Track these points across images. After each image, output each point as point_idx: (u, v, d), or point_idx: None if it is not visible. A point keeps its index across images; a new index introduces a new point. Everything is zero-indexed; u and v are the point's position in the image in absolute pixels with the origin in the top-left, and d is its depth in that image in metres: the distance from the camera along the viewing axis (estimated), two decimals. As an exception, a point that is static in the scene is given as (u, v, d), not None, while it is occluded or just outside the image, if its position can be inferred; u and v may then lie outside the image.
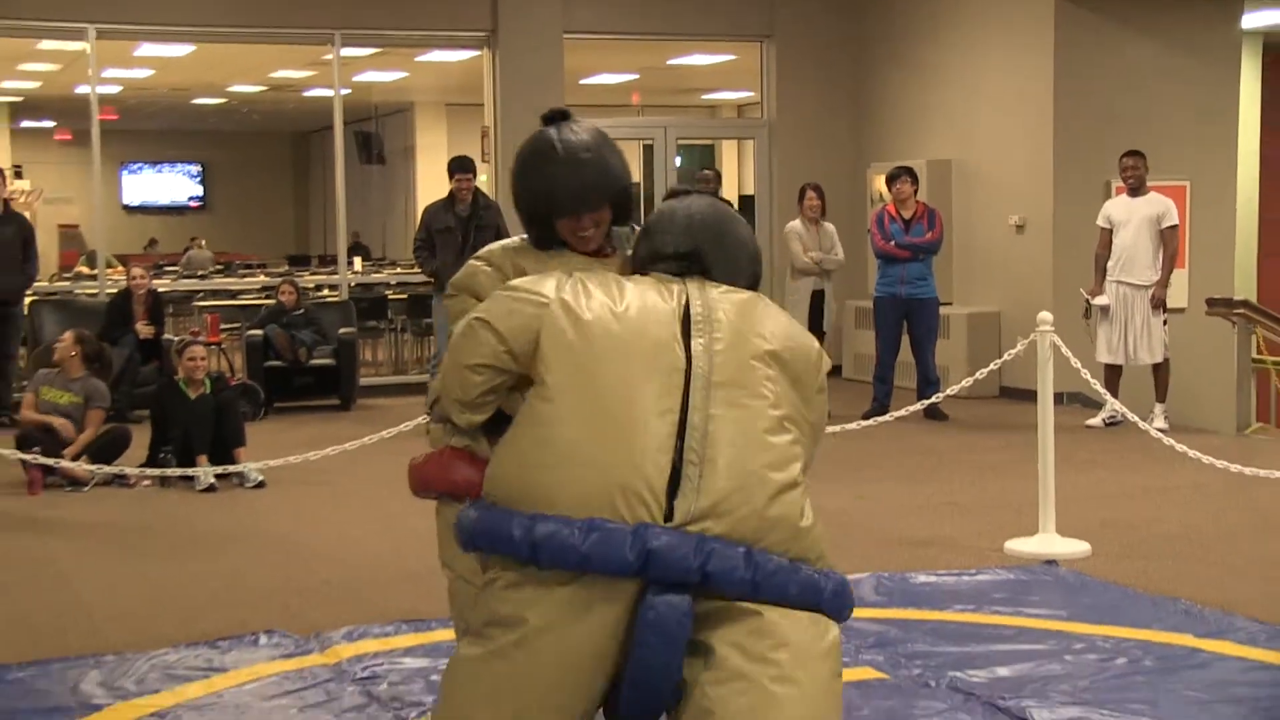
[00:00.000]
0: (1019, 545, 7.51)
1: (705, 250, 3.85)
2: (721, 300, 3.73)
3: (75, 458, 9.32)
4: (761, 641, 3.51)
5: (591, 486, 3.49)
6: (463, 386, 3.70)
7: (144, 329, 12.51)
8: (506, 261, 4.04)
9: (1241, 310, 12.13)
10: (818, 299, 12.42)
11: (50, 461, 8.72)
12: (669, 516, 3.46)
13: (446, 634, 5.97)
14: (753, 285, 3.88)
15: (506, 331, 3.62)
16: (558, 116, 4.18)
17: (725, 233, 3.91)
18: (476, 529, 3.58)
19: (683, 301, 3.70)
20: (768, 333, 3.70)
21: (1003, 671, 5.43)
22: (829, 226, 12.57)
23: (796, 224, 12.48)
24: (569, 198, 3.99)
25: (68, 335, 10.28)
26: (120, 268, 17.00)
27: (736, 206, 14.97)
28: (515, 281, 3.79)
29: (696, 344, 3.61)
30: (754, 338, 3.67)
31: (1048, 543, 7.47)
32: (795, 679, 3.49)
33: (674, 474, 3.48)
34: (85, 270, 18.17)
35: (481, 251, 4.04)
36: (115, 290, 13.56)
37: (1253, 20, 14.36)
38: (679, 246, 3.84)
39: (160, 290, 13.74)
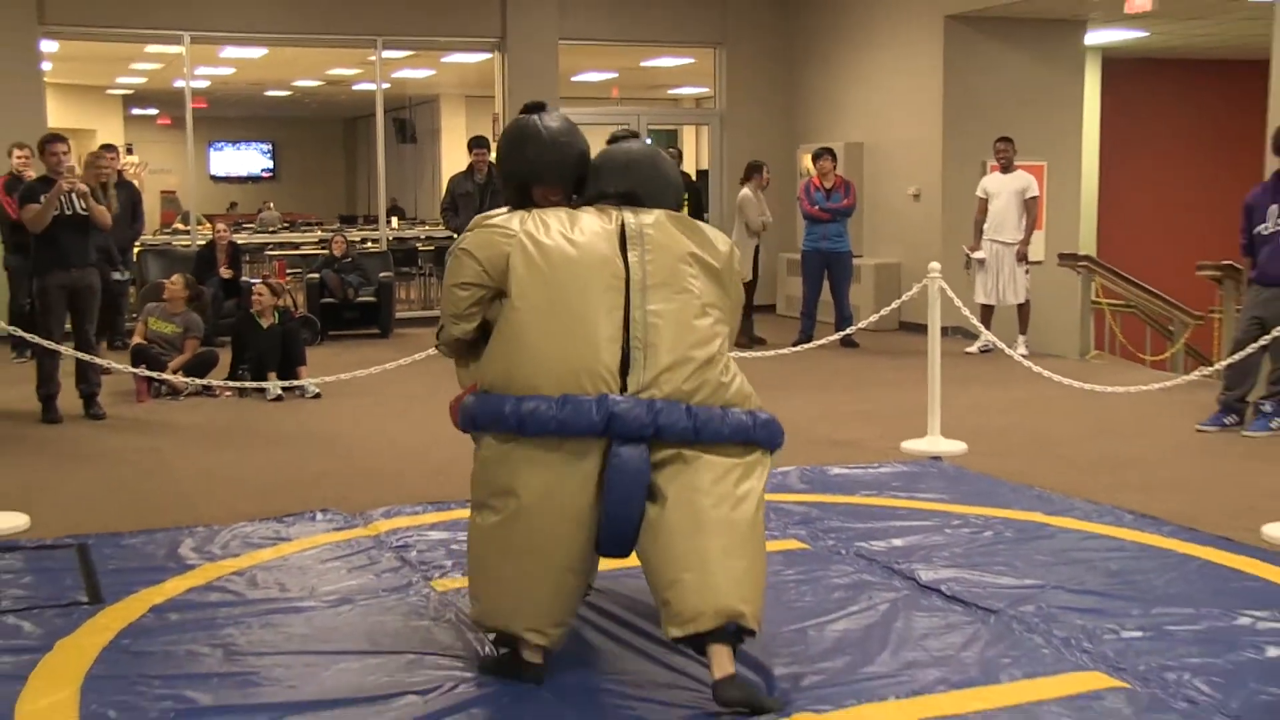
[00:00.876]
0: (912, 445, 7.55)
1: (638, 186, 4.05)
2: (649, 221, 3.95)
3: (174, 373, 9.32)
4: (701, 478, 3.76)
5: (561, 371, 3.71)
6: (453, 302, 3.95)
7: (225, 272, 12.48)
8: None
9: (1085, 263, 12.21)
10: (756, 251, 12.39)
11: (155, 375, 8.70)
12: (623, 390, 3.73)
13: (462, 513, 5.96)
14: (676, 209, 4.11)
15: (484, 258, 3.86)
16: (537, 107, 4.20)
17: (655, 170, 4.14)
18: (476, 411, 3.81)
19: (619, 224, 3.93)
20: (688, 241, 3.95)
21: (898, 542, 5.46)
22: (748, 195, 12.46)
23: (748, 193, 12.36)
24: (550, 173, 4.09)
25: (178, 278, 10.24)
26: (207, 224, 16.95)
27: (695, 179, 15.00)
28: (488, 219, 3.97)
29: (632, 256, 3.86)
30: (677, 246, 3.92)
31: (934, 443, 7.51)
32: (725, 506, 3.75)
33: (624, 358, 3.74)
34: (181, 226, 18.08)
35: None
36: (203, 242, 13.51)
37: (1093, 38, 14.62)
38: (618, 186, 4.05)
39: (238, 242, 13.65)
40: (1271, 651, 4.20)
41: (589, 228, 3.90)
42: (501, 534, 3.76)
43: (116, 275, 11.09)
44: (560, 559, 3.73)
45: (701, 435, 3.75)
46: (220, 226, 13.87)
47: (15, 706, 3.80)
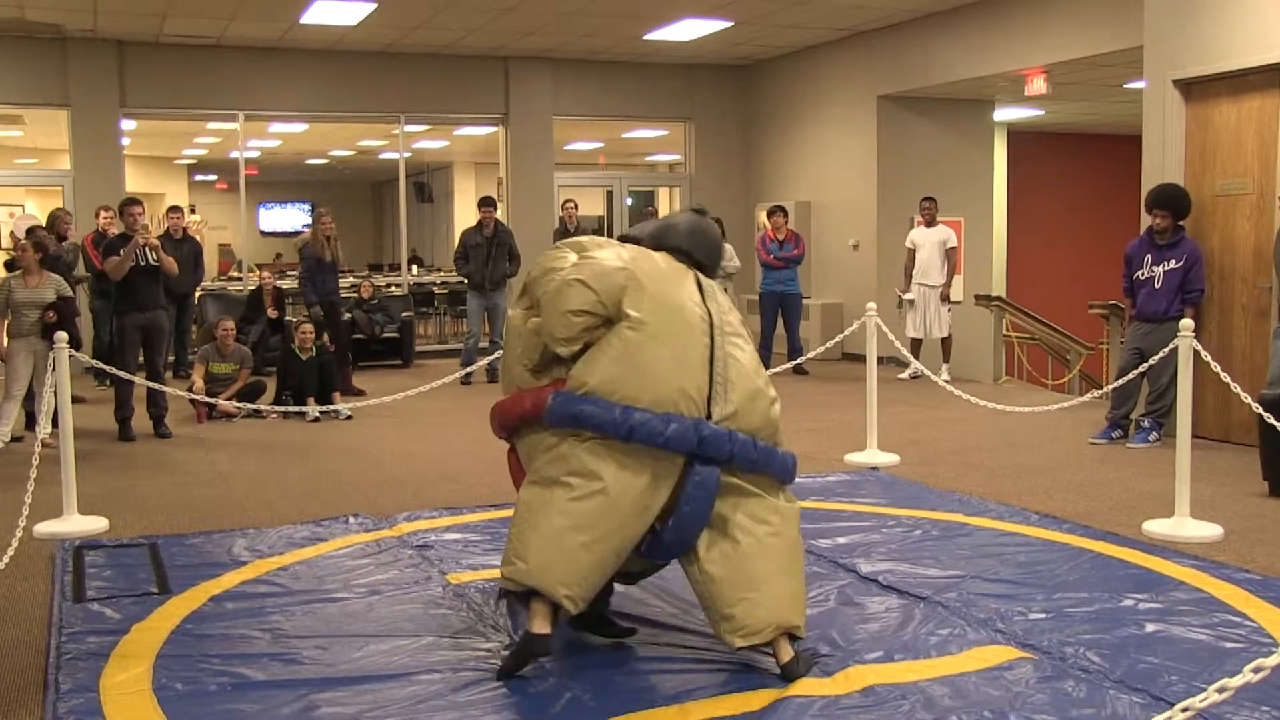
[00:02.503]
0: (853, 457, 7.55)
1: (696, 249, 4.04)
2: (706, 279, 3.99)
3: (228, 399, 9.26)
4: (760, 506, 3.78)
5: (665, 391, 3.65)
6: (566, 327, 3.73)
7: (272, 312, 12.42)
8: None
9: (996, 302, 12.22)
10: (727, 291, 12.36)
11: (212, 400, 8.65)
12: (708, 416, 3.70)
13: (474, 518, 5.99)
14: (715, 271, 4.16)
15: (601, 289, 3.73)
16: (702, 210, 4.23)
17: (708, 239, 4.10)
18: (577, 410, 3.66)
19: (695, 278, 3.94)
20: (725, 301, 3.98)
21: (841, 540, 5.46)
22: (728, 246, 12.50)
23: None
24: (706, 259, 4.08)
25: (228, 324, 10.13)
26: (256, 272, 16.87)
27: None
28: (591, 258, 3.84)
29: (710, 304, 3.86)
30: (726, 303, 3.97)
31: (872, 455, 7.51)
32: (781, 534, 3.78)
33: (709, 390, 3.73)
34: (235, 274, 17.99)
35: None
36: (253, 287, 13.45)
37: (1000, 115, 14.81)
38: (681, 244, 4.02)
39: (282, 287, 13.59)
40: (1150, 627, 4.21)
41: (679, 274, 3.89)
42: (575, 506, 3.63)
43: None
44: (617, 543, 3.65)
45: (758, 467, 3.76)
46: (265, 274, 13.81)
47: (100, 679, 3.78)
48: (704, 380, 3.71)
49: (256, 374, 10.22)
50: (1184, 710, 2.23)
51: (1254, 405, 5.95)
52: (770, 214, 12.37)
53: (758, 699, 3.57)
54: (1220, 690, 2.22)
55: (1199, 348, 5.82)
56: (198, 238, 13.08)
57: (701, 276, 3.96)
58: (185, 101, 13.43)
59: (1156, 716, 2.30)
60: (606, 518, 3.63)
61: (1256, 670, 2.22)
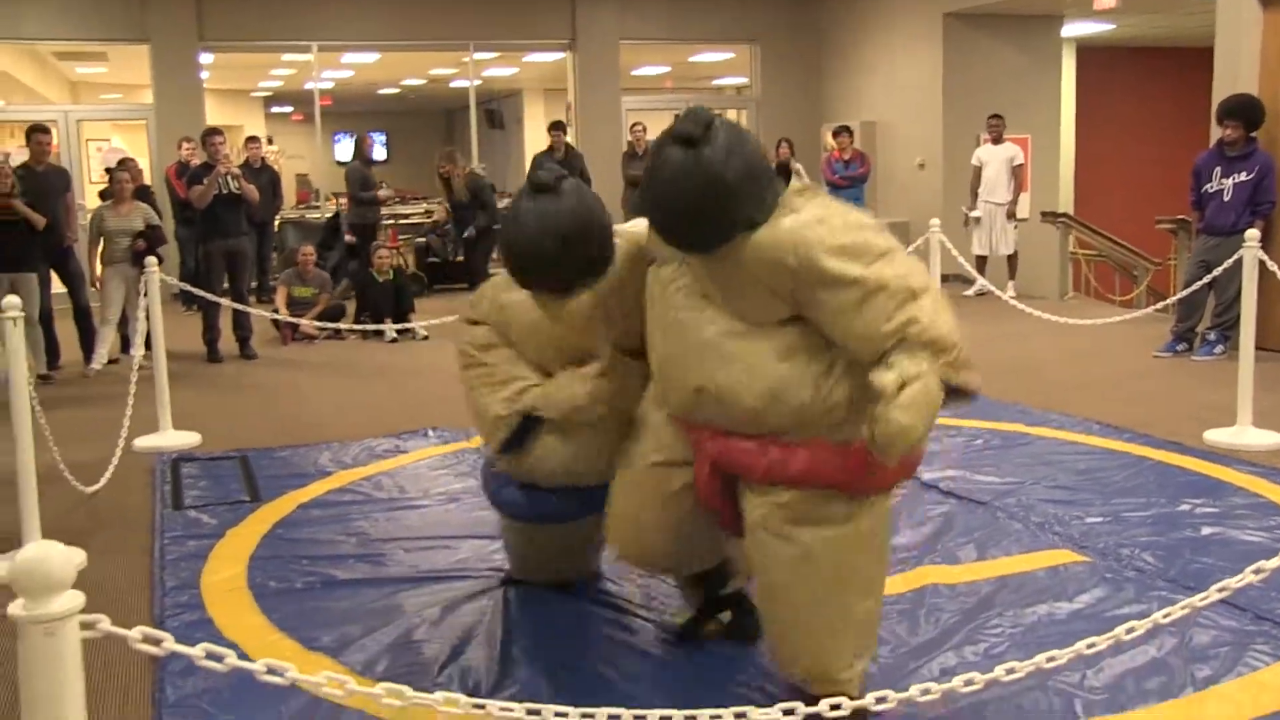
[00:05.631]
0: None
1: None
2: None
3: (309, 321, 9.47)
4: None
5: None
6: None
7: (350, 238, 12.56)
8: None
9: (1063, 219, 12.05)
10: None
11: (295, 320, 8.85)
12: None
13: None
14: None
15: None
16: (691, 138, 2.92)
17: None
18: None
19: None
20: None
21: (902, 449, 5.50)
22: (797, 165, 12.38)
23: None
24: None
25: (308, 250, 10.33)
26: (333, 200, 17.06)
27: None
28: None
29: None
30: None
31: (934, 369, 7.49)
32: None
33: None
34: (313, 203, 18.20)
35: None
36: (330, 214, 13.63)
37: (1069, 30, 14.31)
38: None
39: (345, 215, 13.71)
40: (1205, 530, 4.23)
41: None
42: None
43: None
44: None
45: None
46: (341, 201, 13.97)
47: (200, 578, 3.98)
48: None
49: (336, 298, 10.41)
50: (1220, 590, 2.27)
51: (1319, 315, 5.86)
52: (835, 134, 12.27)
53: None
54: (1256, 572, 2.25)
55: (1265, 258, 5.73)
56: (275, 167, 13.26)
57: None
58: (260, 34, 13.55)
59: (1193, 597, 2.34)
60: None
61: (1296, 557, 2.26)
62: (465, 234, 10.67)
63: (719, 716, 2.08)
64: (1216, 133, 7.92)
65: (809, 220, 2.58)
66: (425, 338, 9.56)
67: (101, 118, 16.30)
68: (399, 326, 9.29)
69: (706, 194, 2.55)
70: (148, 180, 11.01)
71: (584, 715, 2.03)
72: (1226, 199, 7.77)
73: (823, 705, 2.12)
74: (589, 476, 3.16)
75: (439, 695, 2.06)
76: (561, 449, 3.16)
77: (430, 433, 6.12)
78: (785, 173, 2.74)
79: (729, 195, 2.55)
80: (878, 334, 2.50)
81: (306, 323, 9.05)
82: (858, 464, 2.60)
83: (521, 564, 3.81)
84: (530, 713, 2.06)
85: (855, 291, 2.50)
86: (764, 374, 2.61)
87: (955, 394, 2.63)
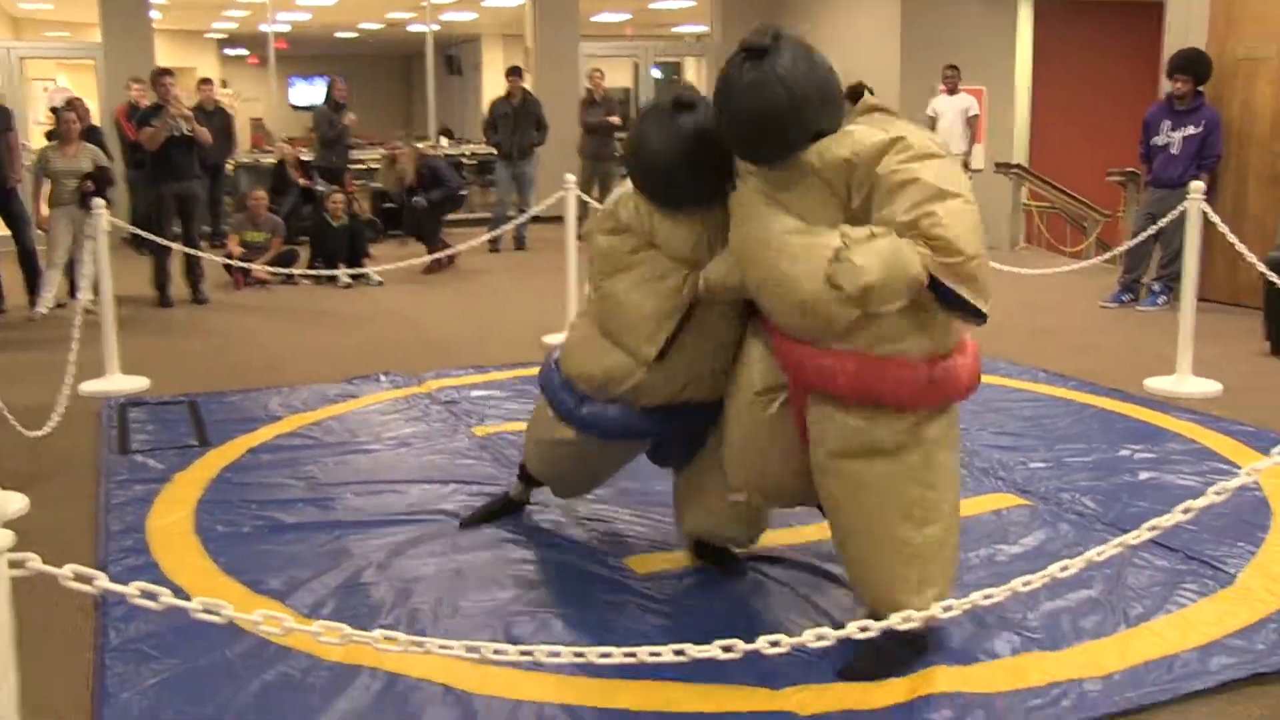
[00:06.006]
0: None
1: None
2: None
3: (263, 265, 9.37)
4: None
5: None
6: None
7: (303, 182, 12.36)
8: None
9: (1016, 170, 12.13)
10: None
11: (247, 266, 8.73)
12: None
13: (499, 375, 6.10)
14: None
15: None
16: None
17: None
18: None
19: None
20: None
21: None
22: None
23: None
24: None
25: (260, 194, 10.20)
26: (289, 144, 16.81)
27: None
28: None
29: None
30: None
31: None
32: None
33: None
34: (268, 147, 17.94)
35: None
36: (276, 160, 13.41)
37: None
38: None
39: (312, 159, 13.53)
40: (1142, 475, 4.31)
41: None
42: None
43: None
44: None
45: None
46: (283, 144, 13.70)
47: (146, 521, 3.95)
48: None
49: (289, 242, 10.30)
50: (1150, 529, 2.31)
51: (1259, 265, 5.94)
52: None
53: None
54: (1185, 511, 2.30)
55: (1208, 210, 5.79)
56: (230, 110, 13.04)
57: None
58: (212, -27, 13.27)
59: (1124, 535, 2.39)
60: None
61: (1219, 493, 2.30)
62: (414, 200, 10.50)
63: (706, 650, 2.12)
64: (1167, 87, 7.96)
65: (874, 129, 2.77)
66: (380, 283, 9.48)
67: (46, 55, 15.95)
68: (353, 271, 9.21)
69: (777, 104, 2.69)
70: (96, 122, 10.78)
71: (522, 653, 2.04)
72: (1174, 152, 7.83)
73: (851, 626, 2.24)
74: (689, 393, 3.21)
75: (377, 633, 2.06)
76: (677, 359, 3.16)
77: (383, 377, 6.07)
78: (856, 96, 2.92)
79: (799, 104, 2.70)
80: (895, 220, 2.63)
81: (258, 268, 8.94)
82: (906, 378, 2.75)
83: (566, 485, 3.74)
84: (469, 650, 2.07)
85: (894, 179, 2.64)
86: (820, 262, 2.67)
87: (961, 309, 2.76)
